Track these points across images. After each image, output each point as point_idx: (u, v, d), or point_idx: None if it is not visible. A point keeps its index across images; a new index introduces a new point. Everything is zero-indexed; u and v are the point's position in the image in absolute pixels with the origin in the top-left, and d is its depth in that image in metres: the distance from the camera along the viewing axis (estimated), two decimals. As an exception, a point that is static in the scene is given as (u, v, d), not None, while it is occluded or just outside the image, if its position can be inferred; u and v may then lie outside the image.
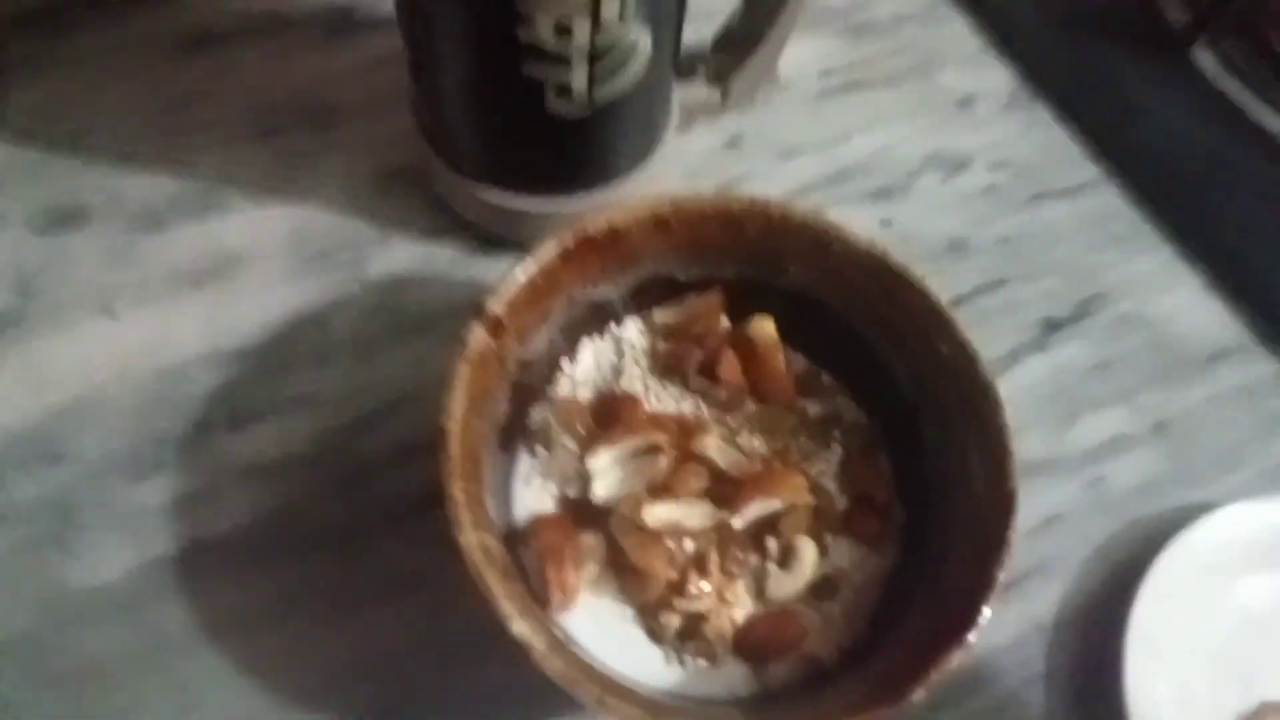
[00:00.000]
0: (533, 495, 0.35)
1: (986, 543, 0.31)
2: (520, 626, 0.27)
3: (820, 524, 0.34)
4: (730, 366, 0.37)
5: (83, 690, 0.35)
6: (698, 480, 0.34)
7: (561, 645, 0.28)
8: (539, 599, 0.32)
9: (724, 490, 0.34)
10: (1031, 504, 0.42)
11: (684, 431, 0.35)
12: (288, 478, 0.40)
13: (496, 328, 0.32)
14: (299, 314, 0.43)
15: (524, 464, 0.36)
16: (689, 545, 0.33)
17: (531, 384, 0.36)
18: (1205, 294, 0.48)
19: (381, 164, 0.47)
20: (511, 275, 0.33)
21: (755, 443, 0.36)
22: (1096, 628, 0.40)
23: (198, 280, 0.43)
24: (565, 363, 0.37)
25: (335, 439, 0.41)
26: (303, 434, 0.41)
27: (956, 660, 0.28)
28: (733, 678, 0.33)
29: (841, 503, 0.36)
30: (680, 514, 0.33)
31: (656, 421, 0.35)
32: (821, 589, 0.34)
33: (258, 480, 0.40)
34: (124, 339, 0.42)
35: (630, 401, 0.36)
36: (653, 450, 0.34)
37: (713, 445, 0.34)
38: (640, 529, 0.33)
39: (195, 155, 0.46)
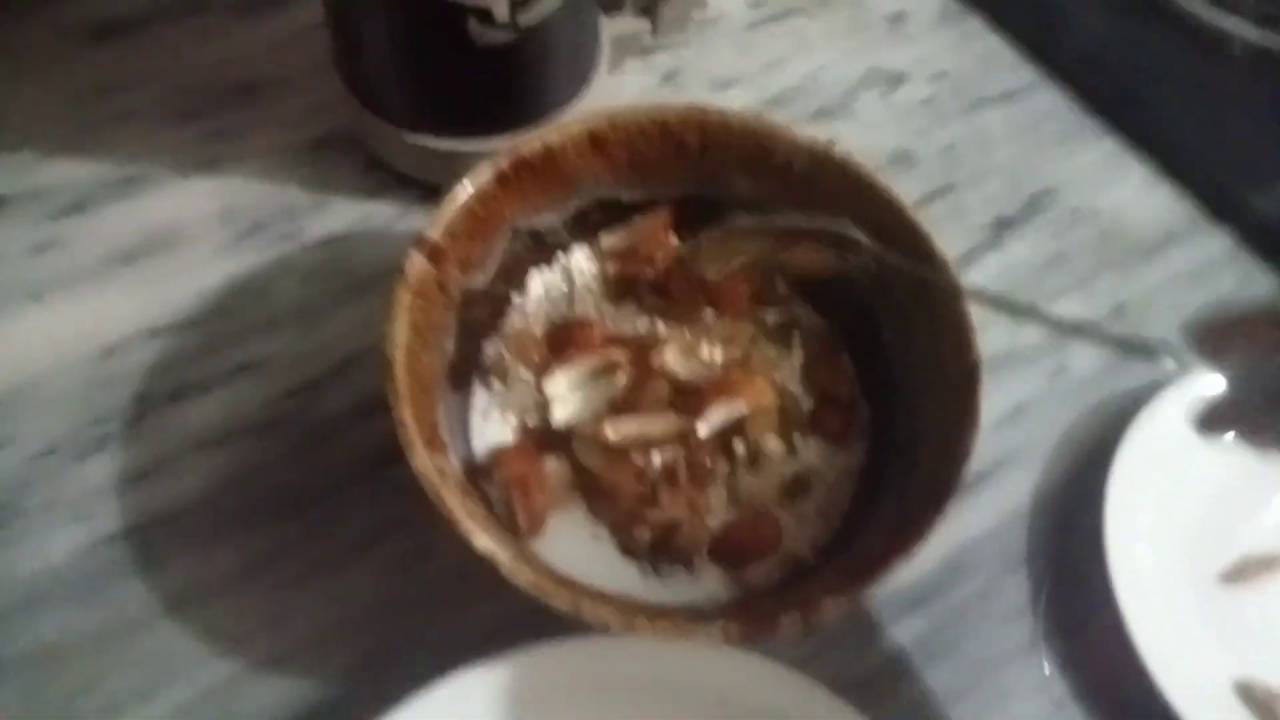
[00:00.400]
0: (492, 429, 0.34)
1: (955, 418, 0.30)
2: (484, 541, 0.27)
3: (788, 425, 0.34)
4: (682, 283, 0.36)
5: (40, 673, 0.33)
6: (659, 393, 0.33)
7: (530, 557, 0.28)
8: (510, 530, 0.31)
9: (687, 400, 0.33)
10: (997, 396, 0.42)
11: (641, 350, 0.34)
12: (241, 446, 0.38)
13: (436, 255, 0.31)
14: (239, 284, 0.42)
15: (480, 399, 0.35)
16: (656, 459, 0.33)
17: (481, 319, 0.36)
18: (1151, 181, 0.48)
19: (311, 132, 0.46)
20: (448, 201, 0.32)
21: (715, 353, 0.35)
22: (1072, 510, 0.40)
23: (129, 258, 0.42)
24: (515, 296, 0.37)
25: (288, 404, 0.40)
26: (253, 402, 0.39)
27: (936, 529, 0.28)
28: (711, 584, 0.32)
29: (807, 403, 0.35)
30: (644, 427, 0.32)
31: (612, 340, 0.34)
32: (794, 488, 0.33)
33: (210, 451, 0.38)
34: (57, 323, 0.40)
35: (584, 325, 0.35)
36: (610, 369, 0.33)
37: (672, 357, 0.34)
38: (605, 447, 0.32)
39: (116, 142, 0.45)
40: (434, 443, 0.29)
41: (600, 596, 0.27)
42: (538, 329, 0.36)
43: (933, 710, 0.36)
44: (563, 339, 0.35)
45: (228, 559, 0.36)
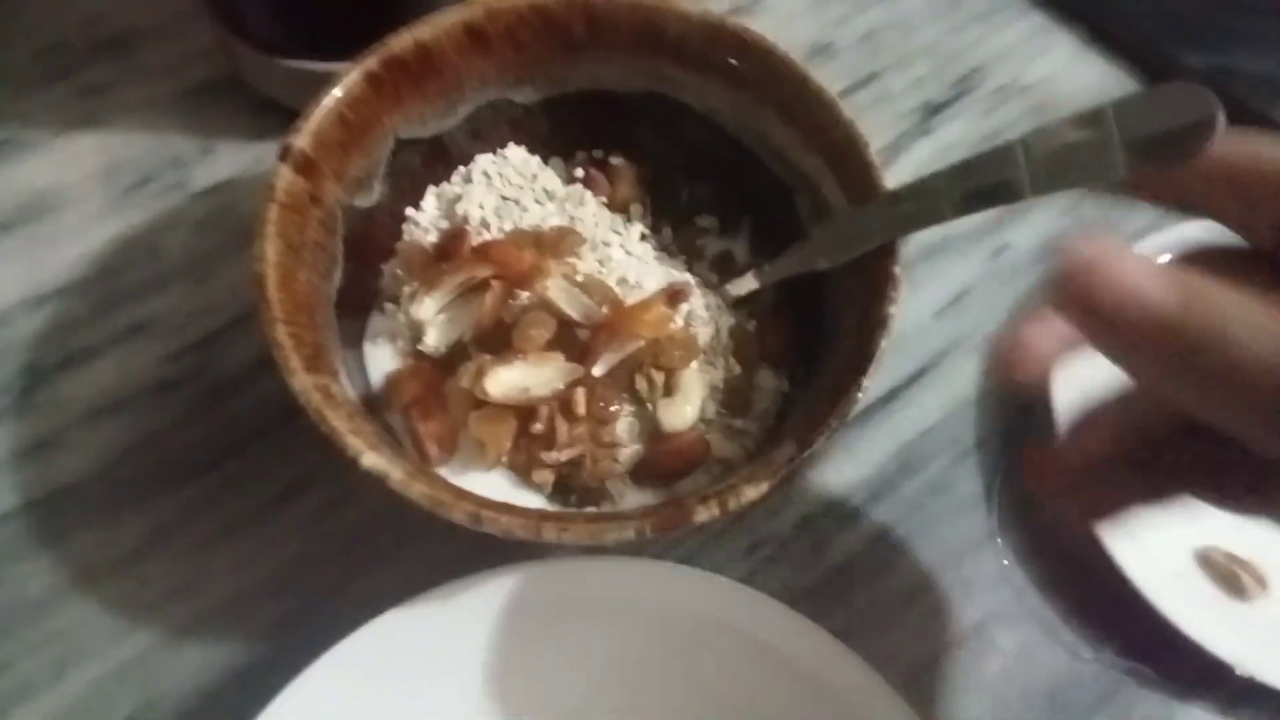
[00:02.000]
0: (386, 356, 0.32)
1: (872, 282, 0.28)
2: (372, 459, 0.24)
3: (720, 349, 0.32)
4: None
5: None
6: (543, 331, 0.30)
7: (424, 472, 0.25)
8: (421, 459, 0.29)
9: (574, 339, 0.30)
10: (937, 284, 0.41)
11: (528, 261, 0.31)
12: (139, 410, 0.36)
13: (306, 166, 0.29)
14: (125, 242, 0.39)
15: (374, 324, 0.32)
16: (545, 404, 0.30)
17: (377, 242, 0.33)
18: (1082, 51, 0.46)
19: (189, 81, 0.43)
20: (314, 107, 0.29)
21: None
22: (1020, 394, 0.38)
23: (7, 226, 0.39)
24: (410, 212, 0.34)
25: (185, 362, 0.37)
26: (147, 363, 0.37)
27: (858, 398, 0.26)
28: (639, 501, 0.30)
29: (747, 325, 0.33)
30: (529, 378, 0.29)
31: (482, 254, 0.31)
32: (730, 404, 0.31)
33: (106, 418, 0.36)
34: (-69, 298, 0.38)
35: (458, 236, 0.32)
36: (480, 288, 0.30)
37: (556, 289, 0.30)
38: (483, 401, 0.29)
39: (-16, 107, 0.42)
40: (318, 365, 0.26)
41: (503, 506, 0.25)
42: (428, 244, 0.33)
43: (889, 612, 0.35)
44: (446, 251, 0.32)
45: (134, 528, 0.34)
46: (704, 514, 0.24)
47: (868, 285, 0.28)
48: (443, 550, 0.34)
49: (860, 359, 0.26)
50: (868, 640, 0.33)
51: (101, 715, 0.31)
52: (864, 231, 0.29)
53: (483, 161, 0.35)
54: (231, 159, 0.41)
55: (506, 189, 0.34)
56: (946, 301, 0.40)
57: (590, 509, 0.30)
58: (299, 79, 0.38)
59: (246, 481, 0.35)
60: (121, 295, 0.38)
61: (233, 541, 0.34)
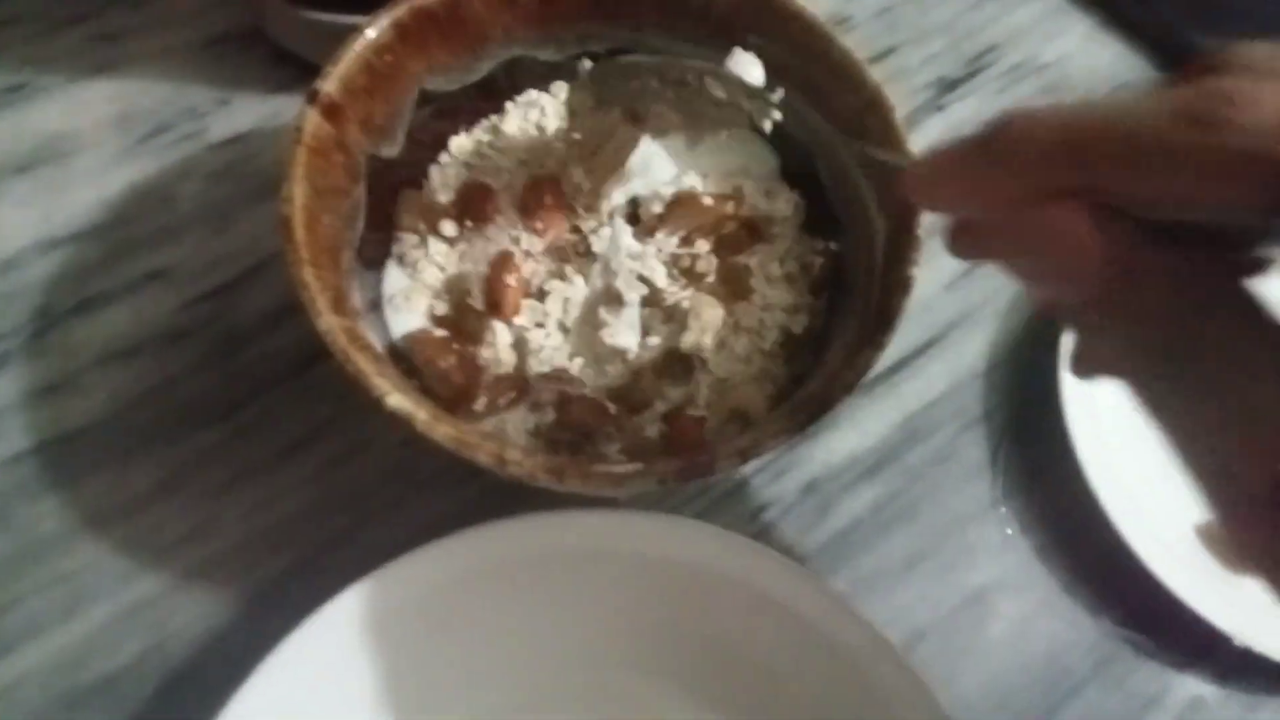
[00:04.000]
0: (401, 307, 0.32)
1: (896, 242, 0.28)
2: (398, 399, 0.25)
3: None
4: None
5: (-49, 598, 0.31)
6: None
7: (448, 415, 0.26)
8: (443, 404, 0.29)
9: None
10: (949, 256, 0.41)
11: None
12: (152, 357, 0.36)
13: (333, 112, 0.29)
14: (140, 190, 0.39)
15: (389, 277, 0.33)
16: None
17: (396, 189, 0.33)
18: (1098, 33, 0.46)
19: (208, 30, 0.43)
20: (343, 53, 0.29)
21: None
22: (1028, 364, 0.38)
23: (22, 169, 0.39)
24: (431, 166, 0.34)
25: (200, 310, 0.37)
26: (162, 310, 0.37)
27: (876, 357, 0.26)
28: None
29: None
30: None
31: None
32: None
33: (118, 363, 0.36)
34: (-54, 239, 0.37)
35: (483, 190, 0.32)
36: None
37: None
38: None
39: None
40: (341, 308, 0.27)
41: (527, 449, 0.25)
42: (445, 196, 0.33)
43: (892, 576, 0.35)
44: (469, 203, 0.33)
45: (146, 472, 0.34)
46: (724, 463, 0.24)
47: (890, 245, 0.29)
48: (452, 503, 0.35)
49: (880, 318, 0.27)
50: (870, 603, 0.34)
51: (110, 654, 0.32)
52: None
53: (515, 116, 0.35)
54: (249, 111, 0.41)
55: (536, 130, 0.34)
56: (958, 273, 0.40)
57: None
58: (320, 32, 0.38)
59: (258, 430, 0.35)
60: (136, 243, 0.38)
61: (243, 489, 0.34)
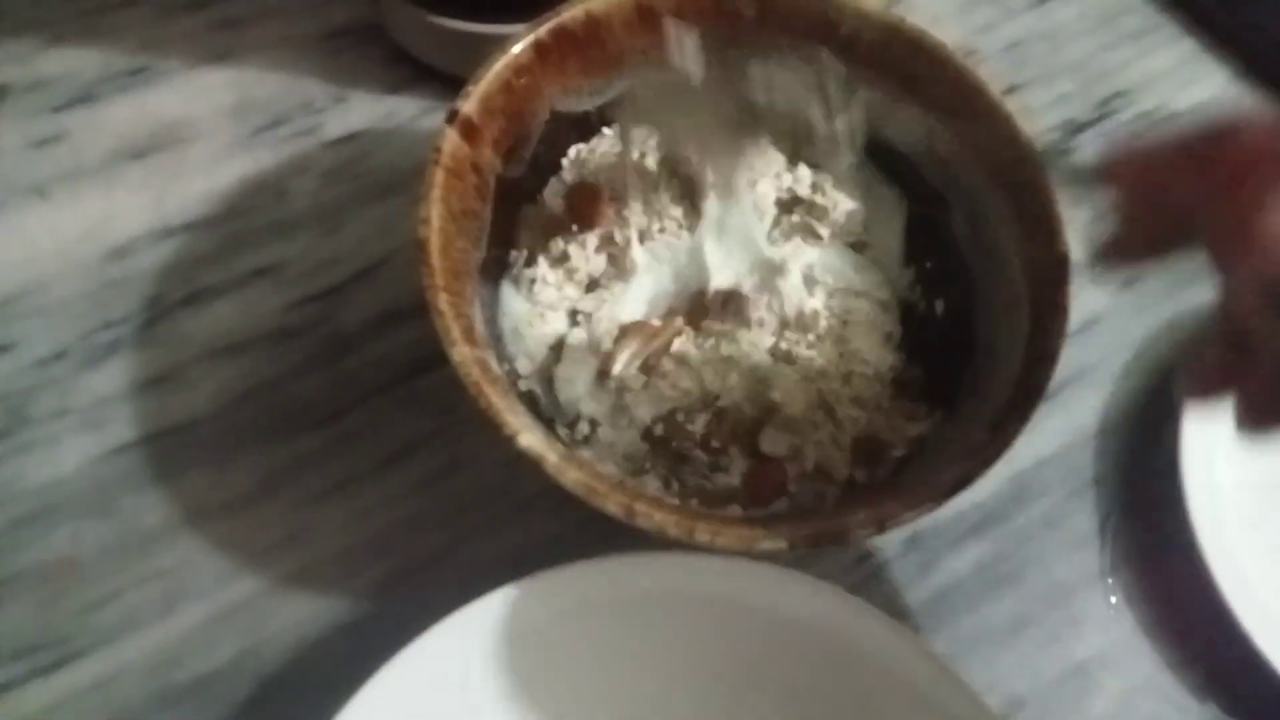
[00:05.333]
0: (526, 339, 0.32)
1: (1041, 316, 0.27)
2: (529, 439, 0.24)
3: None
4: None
5: (54, 587, 0.32)
6: None
7: (577, 458, 0.25)
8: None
9: None
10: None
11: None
12: (259, 355, 0.36)
13: (470, 131, 0.29)
14: (254, 183, 0.39)
15: (505, 297, 0.32)
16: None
17: (517, 208, 0.33)
18: (1234, 84, 0.45)
19: (327, 23, 0.43)
20: (483, 73, 0.29)
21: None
22: (1144, 431, 0.37)
23: (138, 154, 0.39)
24: (550, 182, 0.34)
25: (307, 311, 0.37)
26: (270, 308, 0.37)
27: (1019, 436, 0.25)
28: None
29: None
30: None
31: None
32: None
33: (226, 359, 0.36)
34: (63, 221, 0.38)
35: (592, 193, 0.32)
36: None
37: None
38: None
39: (121, 30, 0.42)
40: (471, 337, 0.26)
41: (655, 501, 0.24)
42: (559, 206, 0.33)
43: (993, 640, 0.34)
44: (579, 205, 0.32)
45: (247, 471, 0.34)
46: (860, 533, 0.24)
47: (1035, 314, 0.28)
48: (550, 525, 0.34)
49: (1026, 392, 0.26)
50: (969, 667, 0.33)
51: (205, 655, 0.32)
52: None
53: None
54: (364, 110, 0.41)
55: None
56: (1074, 329, 0.38)
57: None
58: (443, 36, 0.38)
59: (360, 439, 0.35)
60: (247, 237, 0.38)
61: (343, 497, 0.34)
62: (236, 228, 0.38)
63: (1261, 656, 0.32)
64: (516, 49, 0.29)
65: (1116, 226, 0.22)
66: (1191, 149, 0.20)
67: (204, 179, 0.39)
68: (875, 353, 0.32)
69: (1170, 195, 0.21)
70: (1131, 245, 0.22)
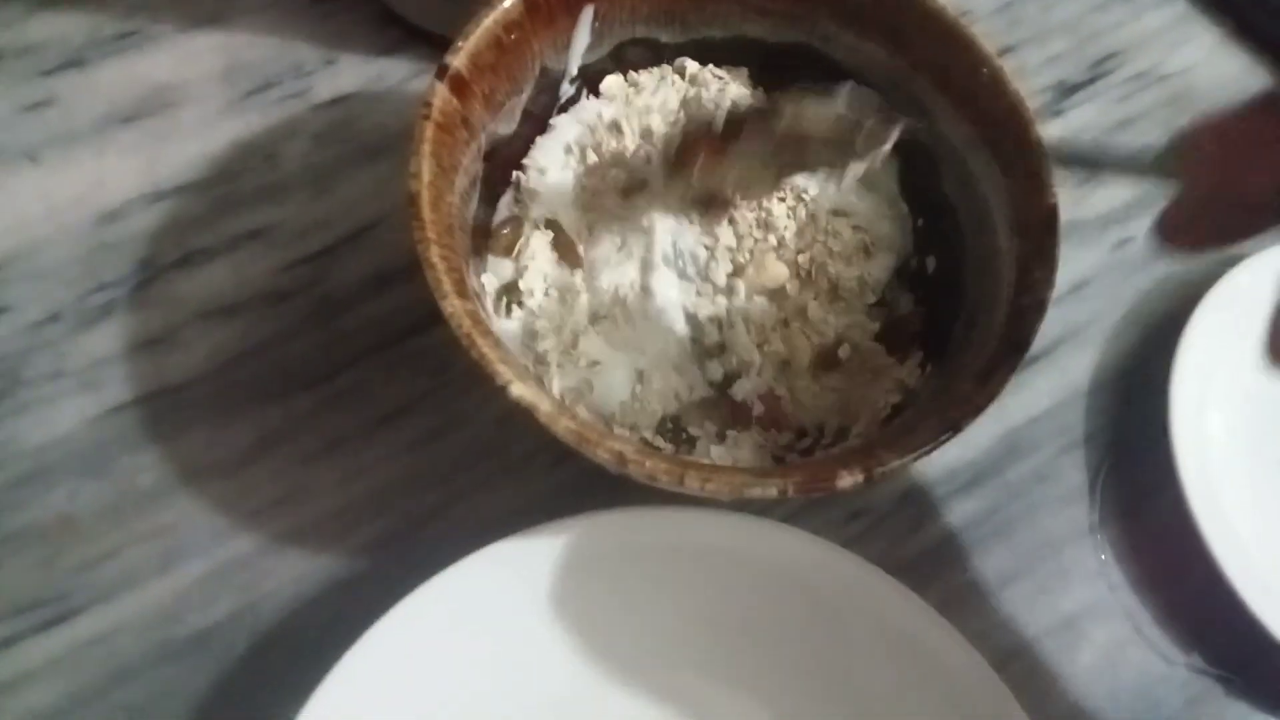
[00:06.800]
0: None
1: (1028, 268, 0.28)
2: (520, 389, 0.24)
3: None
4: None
5: (53, 545, 0.32)
6: None
7: (569, 408, 0.25)
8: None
9: None
10: (1058, 272, 0.40)
11: None
12: (252, 316, 0.36)
13: (460, 86, 0.29)
14: (245, 146, 0.39)
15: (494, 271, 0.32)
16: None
17: (504, 168, 0.33)
18: (1225, 44, 0.45)
19: (318, -16, 0.43)
20: (473, 27, 0.29)
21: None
22: (1135, 389, 0.37)
23: (128, 118, 0.39)
24: (538, 141, 0.34)
25: (300, 272, 0.37)
26: (263, 270, 0.37)
27: (1005, 386, 0.26)
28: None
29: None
30: None
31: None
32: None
33: (219, 321, 0.36)
34: (54, 185, 0.38)
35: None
36: None
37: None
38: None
39: (108, -5, 0.42)
40: (463, 290, 0.26)
41: (647, 450, 0.24)
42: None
43: (984, 593, 0.34)
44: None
45: (242, 432, 0.34)
46: (848, 479, 0.24)
47: (1023, 266, 0.28)
48: (543, 484, 0.35)
49: (1014, 342, 0.26)
50: (960, 620, 0.33)
51: (203, 610, 0.32)
52: None
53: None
54: (354, 72, 0.41)
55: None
56: (1066, 290, 0.39)
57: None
58: (434, -3, 0.38)
59: (353, 398, 0.35)
60: (239, 199, 0.38)
61: (337, 456, 0.34)
62: (228, 190, 0.38)
63: (1246, 608, 0.33)
64: (507, 3, 0.29)
65: (1189, 208, 0.22)
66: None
67: (195, 142, 0.39)
68: (853, 271, 0.33)
69: (1245, 184, 0.21)
70: (1198, 228, 0.22)
